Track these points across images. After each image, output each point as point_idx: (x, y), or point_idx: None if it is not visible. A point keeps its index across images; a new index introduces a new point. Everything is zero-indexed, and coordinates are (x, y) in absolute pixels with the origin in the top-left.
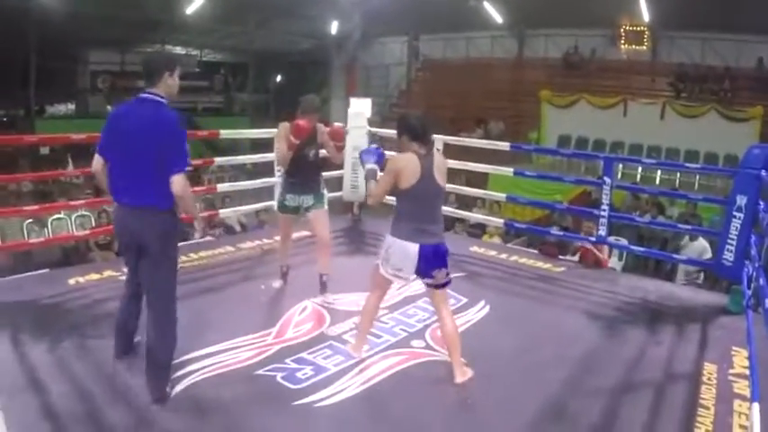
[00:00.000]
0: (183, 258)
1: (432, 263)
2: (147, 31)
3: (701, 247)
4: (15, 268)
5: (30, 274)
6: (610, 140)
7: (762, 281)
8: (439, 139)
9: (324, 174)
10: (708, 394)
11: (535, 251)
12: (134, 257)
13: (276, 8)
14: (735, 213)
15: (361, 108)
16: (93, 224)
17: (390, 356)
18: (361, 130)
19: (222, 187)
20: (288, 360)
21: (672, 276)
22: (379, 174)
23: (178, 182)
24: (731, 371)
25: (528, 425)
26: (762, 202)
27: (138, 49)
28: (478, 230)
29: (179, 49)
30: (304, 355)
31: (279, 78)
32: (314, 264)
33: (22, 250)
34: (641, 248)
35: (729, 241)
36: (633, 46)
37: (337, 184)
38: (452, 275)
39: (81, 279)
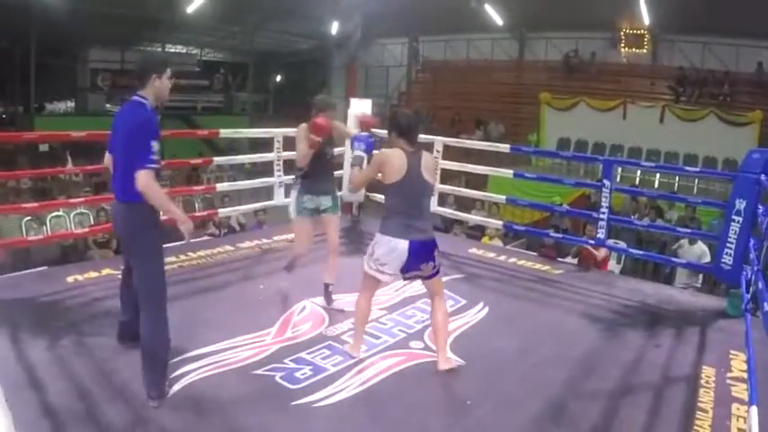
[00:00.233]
0: (182, 257)
1: (419, 257)
2: (148, 30)
3: (699, 251)
4: (14, 266)
5: (28, 271)
6: (609, 143)
7: (761, 284)
8: (439, 141)
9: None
10: (706, 397)
11: (534, 253)
12: (124, 252)
13: (277, 8)
14: (734, 217)
15: (361, 109)
16: (92, 222)
17: (389, 357)
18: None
19: (221, 187)
20: (287, 360)
21: (670, 280)
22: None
23: (140, 177)
24: (729, 374)
25: (527, 426)
26: (761, 207)
27: (139, 48)
28: (477, 232)
29: (179, 48)
30: (303, 355)
31: (278, 78)
32: (313, 264)
33: (21, 248)
34: (640, 252)
35: (728, 245)
36: (633, 49)
37: (336, 184)
38: (452, 277)
39: (80, 277)
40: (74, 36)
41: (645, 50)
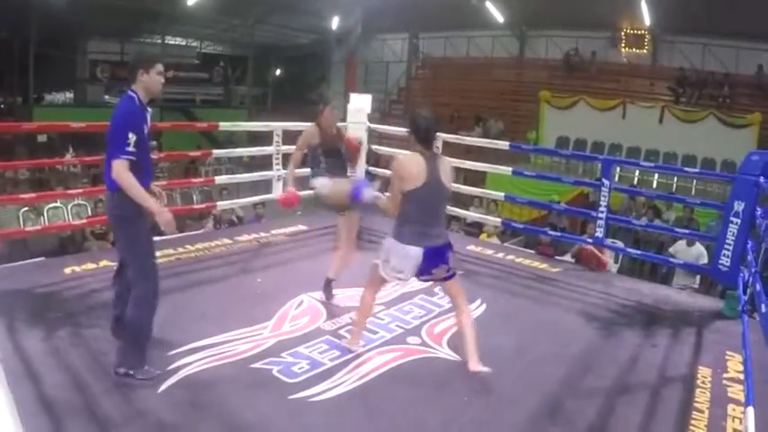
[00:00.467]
0: (180, 250)
1: (432, 262)
2: (148, 22)
3: (697, 252)
4: (11, 256)
5: (25, 262)
6: (608, 143)
7: (758, 286)
8: (438, 138)
9: None
10: (702, 398)
11: (532, 251)
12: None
13: (277, 2)
14: (732, 219)
15: (360, 104)
16: (90, 213)
17: (386, 352)
18: (360, 125)
19: (220, 179)
20: (284, 354)
21: (667, 280)
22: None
23: (114, 167)
24: (725, 375)
25: (523, 423)
26: (759, 209)
27: (138, 39)
28: (475, 229)
29: (179, 40)
30: (300, 349)
31: (278, 72)
32: (311, 258)
33: (18, 238)
34: (638, 251)
35: (726, 246)
36: (634, 49)
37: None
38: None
39: (77, 268)
40: (73, 27)
41: (645, 51)
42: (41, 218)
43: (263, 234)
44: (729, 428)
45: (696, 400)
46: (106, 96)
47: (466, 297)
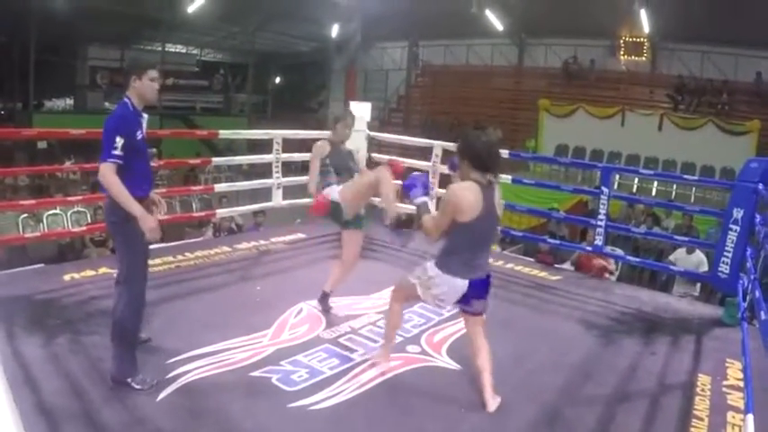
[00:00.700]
0: (179, 258)
1: (474, 294)
2: (148, 29)
3: (697, 260)
4: (10, 263)
5: (24, 268)
6: (607, 151)
7: (757, 293)
8: (438, 145)
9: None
10: (702, 405)
11: (531, 259)
12: None
13: (277, 10)
14: (731, 226)
15: (360, 112)
16: (89, 220)
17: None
18: (360, 134)
19: (220, 187)
20: (283, 362)
21: (667, 288)
22: (429, 203)
23: (101, 170)
24: (725, 382)
25: (524, 431)
26: (758, 216)
27: (138, 46)
28: None
29: (179, 48)
30: (299, 357)
31: (278, 80)
32: (310, 266)
33: (17, 245)
34: (637, 259)
35: (725, 254)
36: (633, 57)
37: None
38: None
39: (76, 275)
40: (73, 33)
41: (644, 58)
42: (41, 224)
43: (262, 242)
44: None
45: (696, 407)
46: (106, 103)
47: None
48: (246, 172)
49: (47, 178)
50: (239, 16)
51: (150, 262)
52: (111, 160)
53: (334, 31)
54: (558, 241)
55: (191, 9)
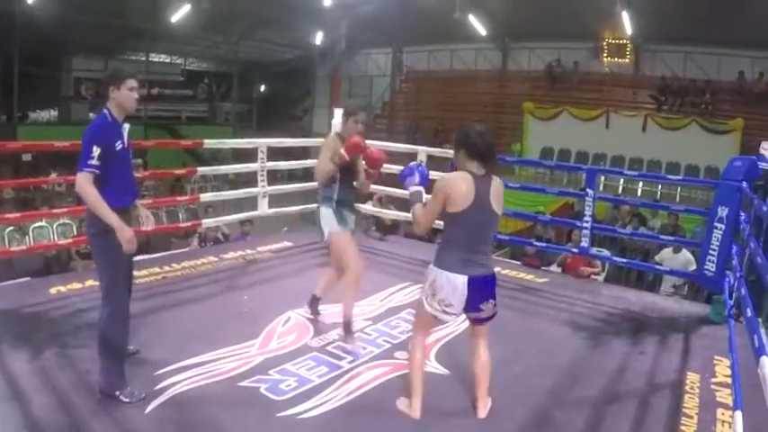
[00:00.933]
0: (166, 268)
1: (480, 295)
2: (132, 39)
3: (684, 260)
4: None
5: (10, 282)
6: (592, 152)
7: (743, 291)
8: (422, 151)
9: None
10: (691, 403)
11: (518, 262)
12: None
13: (261, 18)
14: (716, 224)
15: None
16: (75, 233)
17: (374, 368)
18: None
19: (205, 197)
20: (271, 371)
21: (654, 287)
22: (425, 196)
23: (77, 180)
24: (714, 380)
25: None
26: (743, 214)
27: (123, 57)
28: None
29: (163, 58)
30: (287, 366)
31: (262, 88)
32: (297, 274)
33: (3, 258)
34: (624, 260)
35: (711, 252)
36: (616, 59)
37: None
38: None
39: (63, 288)
40: (57, 44)
41: (627, 60)
42: (26, 237)
43: (248, 251)
44: None
45: (685, 405)
46: (91, 114)
47: None
48: (233, 181)
49: (32, 191)
50: (223, 25)
51: (137, 273)
52: (88, 170)
53: (319, 38)
54: (544, 244)
55: (174, 19)
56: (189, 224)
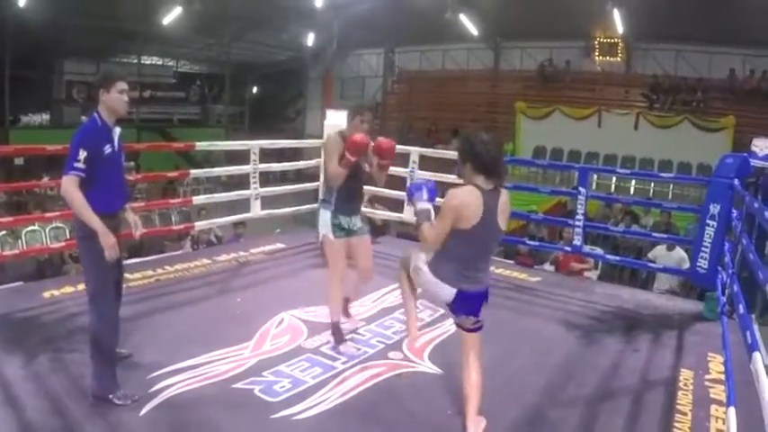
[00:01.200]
0: (159, 271)
1: (462, 308)
2: (124, 42)
3: (678, 257)
4: None
5: (3, 287)
6: (584, 151)
7: (736, 287)
8: (415, 152)
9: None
10: (685, 400)
11: (511, 261)
12: None
13: (253, 20)
14: (708, 222)
15: (337, 120)
16: (68, 236)
17: (368, 368)
18: None
19: (198, 200)
20: (265, 373)
21: (648, 285)
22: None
23: (62, 183)
24: (707, 376)
25: None
26: (735, 211)
27: (114, 60)
28: None
29: (155, 60)
30: (281, 367)
31: (254, 90)
32: (290, 276)
33: None
34: (617, 257)
35: (703, 249)
36: (607, 58)
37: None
38: None
39: (56, 292)
40: (49, 47)
41: (619, 59)
42: (19, 241)
43: (241, 253)
44: (713, 429)
45: (679, 402)
46: (83, 117)
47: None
48: (226, 183)
49: (25, 194)
50: (215, 27)
51: (130, 276)
52: (73, 173)
53: (310, 39)
54: (537, 243)
55: (166, 21)
56: (182, 227)
